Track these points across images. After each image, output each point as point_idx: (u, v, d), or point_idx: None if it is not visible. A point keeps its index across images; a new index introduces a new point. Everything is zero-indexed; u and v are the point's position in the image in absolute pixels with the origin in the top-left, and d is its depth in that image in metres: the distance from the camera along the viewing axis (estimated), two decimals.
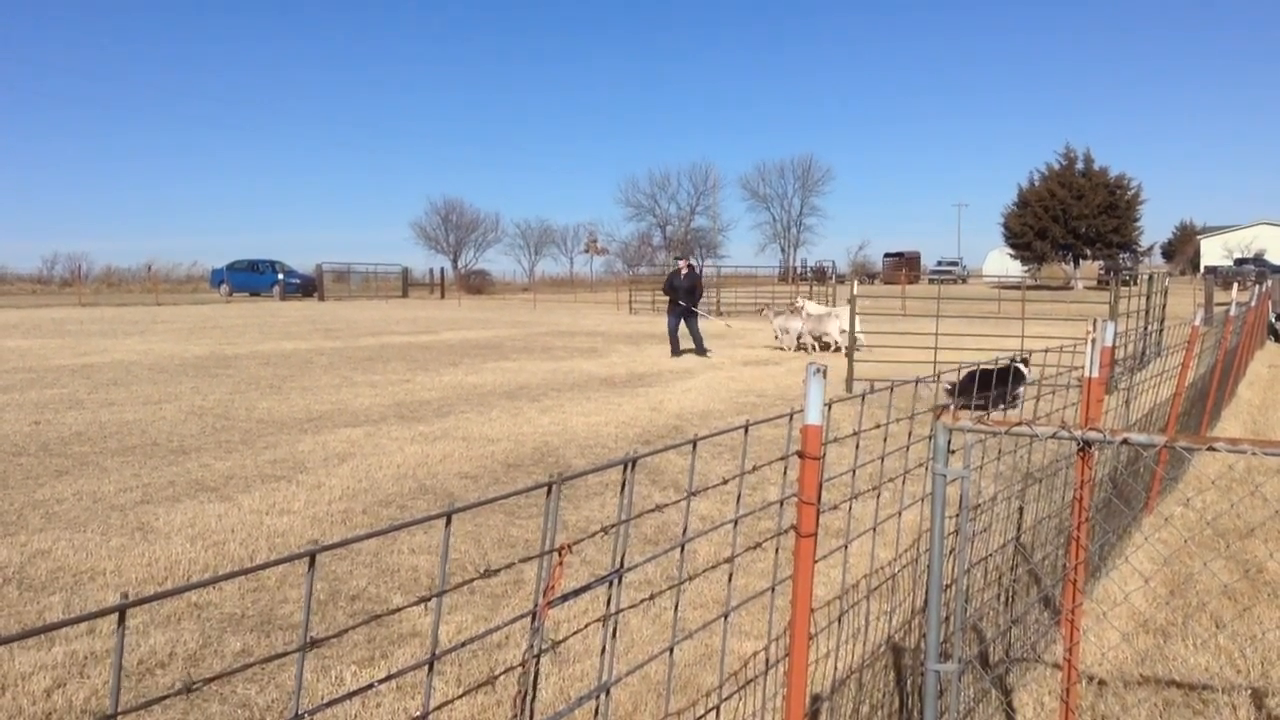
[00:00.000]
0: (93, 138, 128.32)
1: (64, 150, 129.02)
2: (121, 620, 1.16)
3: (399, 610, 1.74)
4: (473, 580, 1.68)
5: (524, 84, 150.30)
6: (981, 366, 8.92)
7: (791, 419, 2.61)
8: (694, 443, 2.15)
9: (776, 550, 2.59)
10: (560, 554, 1.66)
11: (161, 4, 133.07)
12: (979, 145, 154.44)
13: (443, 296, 59.06)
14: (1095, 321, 3.46)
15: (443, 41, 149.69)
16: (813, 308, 22.09)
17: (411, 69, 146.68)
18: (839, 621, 3.00)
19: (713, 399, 13.86)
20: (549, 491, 1.67)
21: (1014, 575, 4.53)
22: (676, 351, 19.93)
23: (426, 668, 1.50)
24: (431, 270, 70.42)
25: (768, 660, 2.65)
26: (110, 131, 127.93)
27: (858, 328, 20.17)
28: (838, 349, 20.10)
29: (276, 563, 1.30)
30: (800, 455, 2.52)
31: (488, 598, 5.64)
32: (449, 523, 1.45)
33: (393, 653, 4.87)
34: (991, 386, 10.98)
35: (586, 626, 2.23)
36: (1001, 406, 11.14)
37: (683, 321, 20.23)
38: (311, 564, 1.21)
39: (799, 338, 21.40)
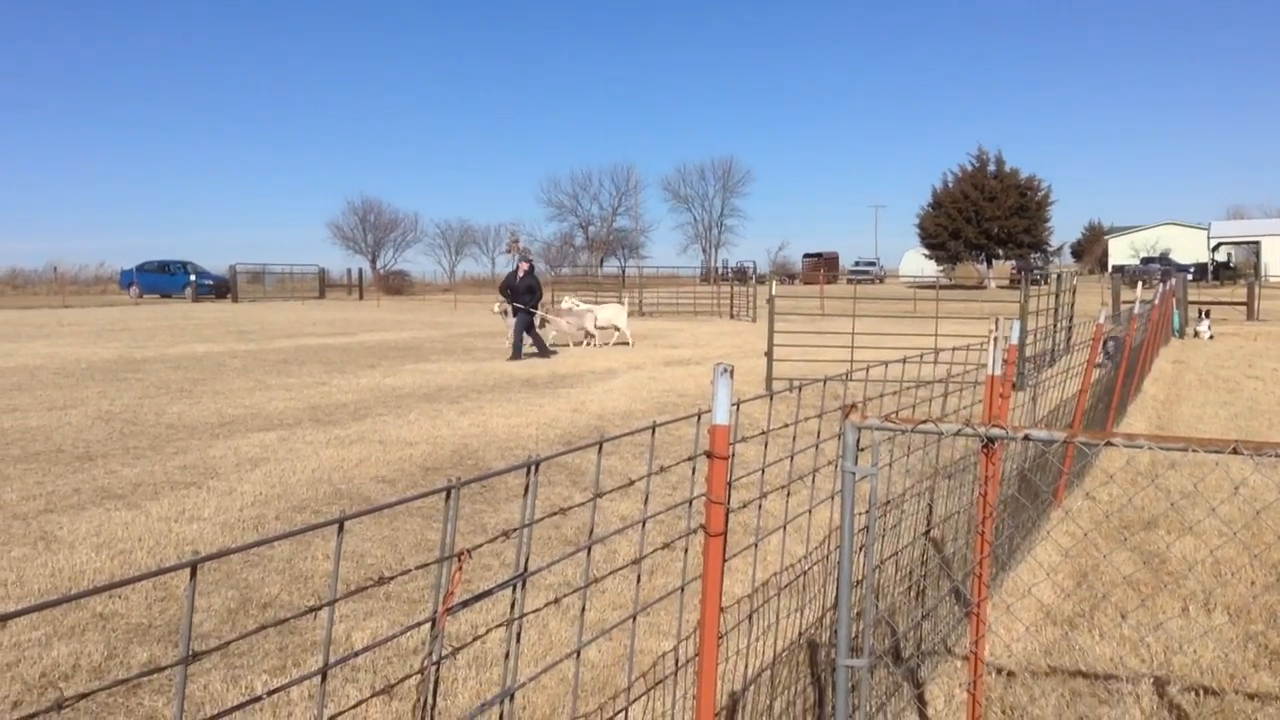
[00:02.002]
0: None
1: None
2: None
3: (285, 621, 1.70)
4: (366, 588, 1.65)
5: (443, 82, 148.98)
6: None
7: (700, 419, 2.62)
8: (599, 445, 2.14)
9: (686, 550, 2.60)
10: (459, 559, 1.64)
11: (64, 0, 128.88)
12: (895, 147, 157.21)
13: (361, 297, 58.17)
14: (998, 320, 3.53)
15: (359, 38, 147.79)
16: (580, 306, 24.89)
17: (328, 66, 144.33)
18: (750, 619, 3.02)
19: (634, 399, 13.87)
20: (447, 496, 1.65)
21: (924, 569, 4.61)
22: (518, 355, 19.33)
23: (320, 678, 1.46)
24: (349, 271, 69.19)
25: (677, 660, 2.65)
26: (11, 129, 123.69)
27: (622, 324, 23.56)
28: (593, 341, 23.15)
29: (142, 577, 1.26)
30: (709, 455, 2.53)
31: (404, 603, 5.57)
32: (341, 529, 1.43)
33: (305, 660, 4.78)
34: None
35: (488, 632, 2.21)
36: None
37: (526, 324, 19.79)
38: (193, 575, 1.18)
39: (583, 332, 23.39)
